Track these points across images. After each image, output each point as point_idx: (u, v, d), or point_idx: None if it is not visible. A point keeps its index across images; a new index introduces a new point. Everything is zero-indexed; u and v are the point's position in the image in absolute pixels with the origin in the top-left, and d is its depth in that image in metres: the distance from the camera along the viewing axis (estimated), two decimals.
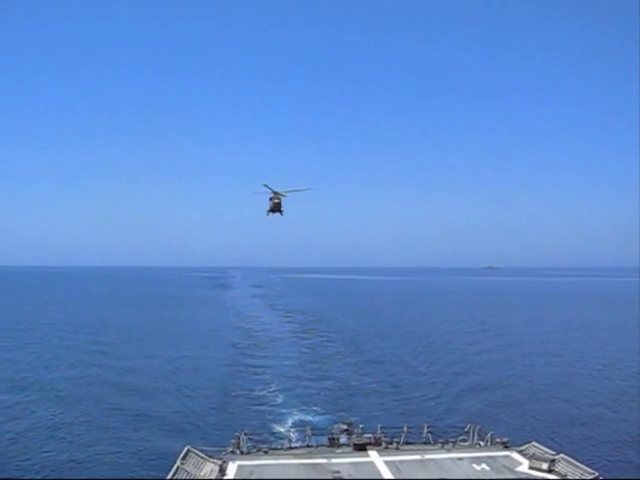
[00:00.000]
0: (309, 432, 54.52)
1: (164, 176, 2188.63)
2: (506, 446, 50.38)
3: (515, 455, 48.15)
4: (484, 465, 45.75)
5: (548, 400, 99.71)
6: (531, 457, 46.44)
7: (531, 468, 44.62)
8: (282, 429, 71.43)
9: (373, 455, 48.85)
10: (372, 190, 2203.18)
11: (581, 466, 43.73)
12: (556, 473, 43.71)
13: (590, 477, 42.12)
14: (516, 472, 44.42)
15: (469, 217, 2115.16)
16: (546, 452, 47.29)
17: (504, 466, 45.72)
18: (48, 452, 72.42)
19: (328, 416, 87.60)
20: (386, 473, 44.51)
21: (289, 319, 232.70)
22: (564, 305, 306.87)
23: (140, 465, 67.19)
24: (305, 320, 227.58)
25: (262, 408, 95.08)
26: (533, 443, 49.58)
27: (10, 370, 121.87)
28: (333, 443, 51.98)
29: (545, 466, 44.17)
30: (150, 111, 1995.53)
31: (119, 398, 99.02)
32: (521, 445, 50.09)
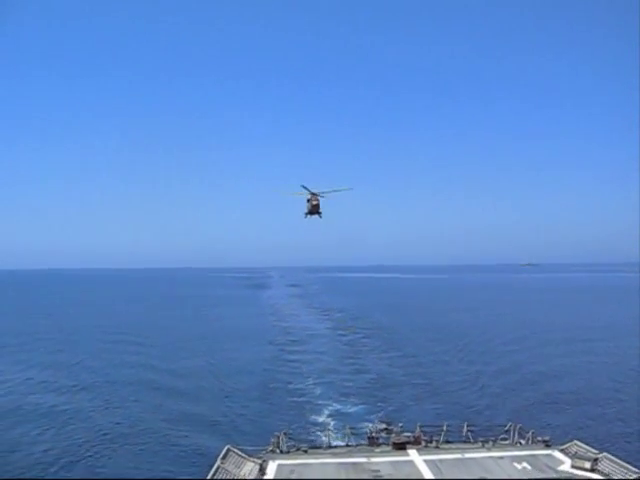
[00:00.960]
0: (348, 431, 54.72)
1: (203, 178, 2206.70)
2: (547, 445, 49.67)
3: (557, 454, 47.50)
4: (525, 464, 45.25)
5: (590, 397, 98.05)
6: (573, 456, 45.72)
7: (573, 467, 43.94)
8: (321, 429, 71.41)
9: (413, 454, 48.66)
10: (413, 190, 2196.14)
11: (625, 465, 42.95)
12: (599, 472, 42.98)
13: (635, 476, 41.38)
14: (558, 471, 43.82)
15: (506, 215, 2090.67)
16: (589, 451, 46.51)
17: (546, 465, 45.13)
18: (90, 450, 73.76)
19: (366, 410, 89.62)
20: (426, 472, 44.31)
21: (326, 317, 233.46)
22: (607, 301, 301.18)
23: (181, 464, 67.73)
24: (342, 317, 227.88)
25: (301, 400, 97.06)
26: (575, 442, 48.79)
27: (53, 371, 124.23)
28: (372, 442, 51.89)
29: (588, 465, 43.45)
30: (187, 114, 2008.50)
31: (160, 397, 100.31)
32: (563, 444, 49.34)
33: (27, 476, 65.85)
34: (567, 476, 42.78)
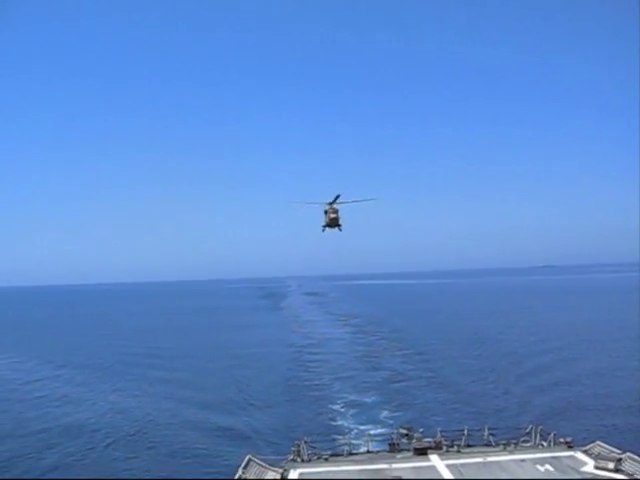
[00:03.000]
0: (369, 438, 54.57)
1: (216, 187, 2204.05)
2: (570, 446, 49.27)
3: (579, 455, 47.11)
4: (548, 466, 44.91)
5: (612, 398, 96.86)
6: (596, 457, 45.33)
7: (597, 468, 43.54)
8: (342, 435, 71.28)
9: (434, 459, 48.45)
10: (426, 194, 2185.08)
11: None
12: (623, 472, 42.53)
13: None
14: (581, 472, 43.43)
15: (522, 216, 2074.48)
16: (611, 451, 46.07)
17: (569, 466, 44.76)
18: (109, 455, 75.58)
19: (382, 402, 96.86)
20: (448, 477, 44.12)
21: (344, 322, 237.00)
22: (628, 302, 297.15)
23: (201, 474, 67.61)
24: (360, 323, 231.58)
25: (320, 394, 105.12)
26: (598, 442, 48.35)
27: (76, 388, 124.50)
28: (393, 448, 51.76)
29: (611, 465, 43.04)
30: (199, 123, 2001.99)
31: (181, 406, 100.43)
32: (585, 445, 48.97)
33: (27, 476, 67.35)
34: (590, 477, 42.42)
